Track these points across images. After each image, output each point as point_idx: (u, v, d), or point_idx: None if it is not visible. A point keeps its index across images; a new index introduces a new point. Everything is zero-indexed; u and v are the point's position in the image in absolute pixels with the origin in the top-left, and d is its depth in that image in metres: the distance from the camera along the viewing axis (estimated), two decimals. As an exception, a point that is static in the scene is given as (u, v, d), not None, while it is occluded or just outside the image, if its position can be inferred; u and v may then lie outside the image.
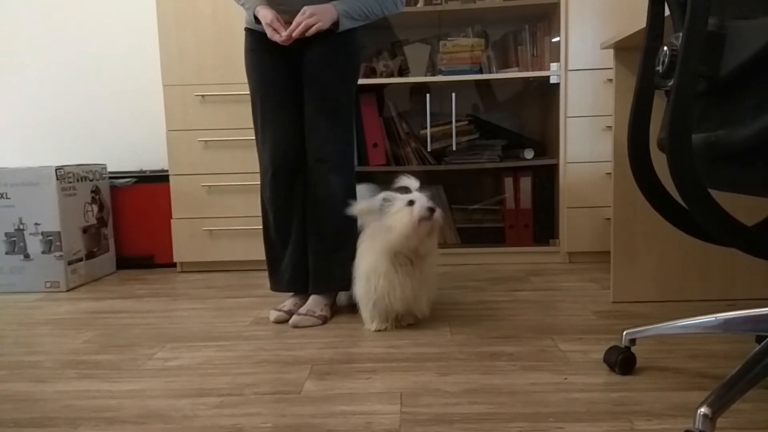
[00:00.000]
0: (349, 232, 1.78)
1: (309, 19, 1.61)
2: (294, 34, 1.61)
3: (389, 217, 1.58)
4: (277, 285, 1.87)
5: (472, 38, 2.49)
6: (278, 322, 1.75)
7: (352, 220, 1.79)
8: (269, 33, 1.66)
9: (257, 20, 1.69)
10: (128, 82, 2.91)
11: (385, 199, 1.61)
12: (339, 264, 1.77)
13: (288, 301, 1.83)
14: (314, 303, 1.77)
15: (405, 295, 1.61)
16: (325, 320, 1.75)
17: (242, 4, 1.74)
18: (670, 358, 1.35)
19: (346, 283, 1.75)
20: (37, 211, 2.30)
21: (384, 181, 2.72)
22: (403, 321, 1.68)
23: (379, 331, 1.64)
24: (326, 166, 1.74)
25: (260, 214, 1.86)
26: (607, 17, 2.36)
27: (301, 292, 1.84)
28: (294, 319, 1.72)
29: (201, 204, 2.52)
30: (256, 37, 1.75)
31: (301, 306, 1.79)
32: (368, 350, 1.49)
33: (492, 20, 2.69)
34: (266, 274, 1.89)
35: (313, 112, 1.74)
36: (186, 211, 2.53)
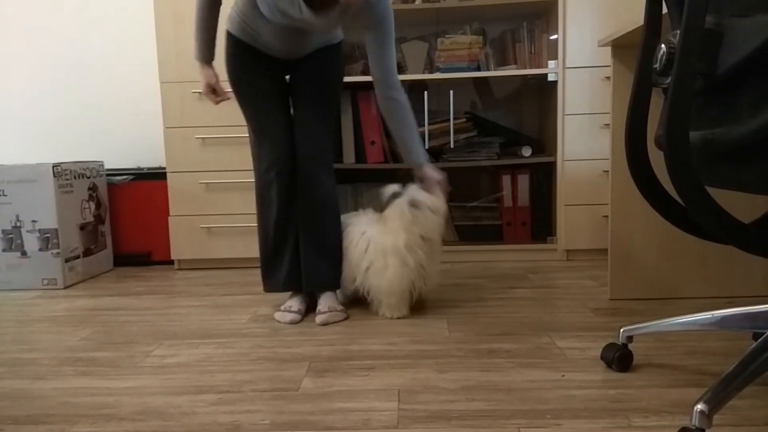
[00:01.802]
0: (339, 231, 1.81)
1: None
2: None
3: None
4: (274, 285, 1.83)
5: (469, 35, 2.49)
6: (294, 323, 1.73)
7: (339, 220, 1.83)
8: (204, 92, 1.77)
9: (202, 62, 1.76)
10: (125, 79, 2.91)
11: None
12: (334, 262, 1.80)
13: (292, 301, 1.81)
14: (331, 299, 1.78)
15: (428, 272, 1.75)
16: (347, 314, 1.78)
17: (196, 40, 1.72)
18: (667, 355, 1.35)
19: (337, 282, 1.81)
20: (34, 209, 2.30)
21: (382, 179, 2.72)
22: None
23: (399, 318, 1.73)
24: (318, 165, 1.75)
25: (255, 212, 1.85)
26: (605, 15, 2.36)
27: (298, 290, 1.83)
28: (323, 317, 1.71)
29: (198, 201, 2.52)
30: (239, 45, 1.74)
31: (305, 304, 1.81)
32: (366, 347, 1.49)
33: (490, 17, 2.69)
34: (263, 271, 1.89)
35: (306, 111, 1.76)
36: (183, 208, 2.52)
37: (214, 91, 1.78)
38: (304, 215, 1.78)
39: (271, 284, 1.85)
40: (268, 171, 1.76)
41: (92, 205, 2.55)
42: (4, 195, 2.30)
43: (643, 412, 1.08)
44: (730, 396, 0.93)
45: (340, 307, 1.76)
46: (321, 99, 1.77)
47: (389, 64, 1.71)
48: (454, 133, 2.50)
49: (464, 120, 2.57)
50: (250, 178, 2.45)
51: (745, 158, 0.87)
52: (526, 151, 2.53)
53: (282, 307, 1.79)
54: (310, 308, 1.83)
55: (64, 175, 2.35)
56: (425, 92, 2.46)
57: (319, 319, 1.71)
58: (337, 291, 1.85)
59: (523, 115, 2.82)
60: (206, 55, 1.74)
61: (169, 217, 2.53)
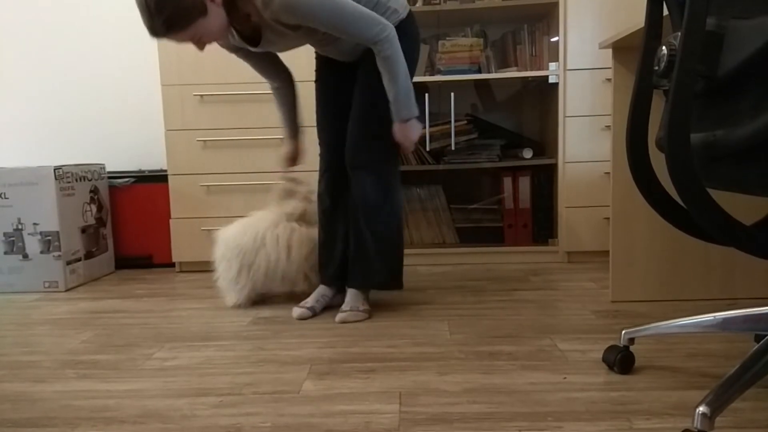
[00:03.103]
0: (379, 232, 1.76)
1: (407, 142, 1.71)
2: None
3: None
4: (324, 280, 1.88)
5: (470, 38, 2.49)
6: (302, 318, 1.76)
7: (383, 221, 1.77)
8: (283, 158, 1.92)
9: (286, 137, 1.92)
10: (127, 81, 2.91)
11: None
12: (371, 261, 1.76)
13: (310, 297, 1.84)
14: (354, 298, 1.78)
15: None
16: (369, 314, 1.77)
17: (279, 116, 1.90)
18: (668, 357, 1.35)
19: (373, 281, 1.79)
20: (35, 211, 2.30)
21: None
22: None
23: None
24: (359, 165, 1.75)
25: None
26: (605, 17, 2.36)
27: (341, 290, 1.86)
28: (342, 315, 1.73)
29: (200, 204, 2.52)
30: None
31: (322, 302, 1.83)
32: (367, 350, 1.49)
33: (491, 20, 2.69)
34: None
35: (353, 113, 1.76)
36: (185, 210, 2.52)
37: (293, 160, 1.92)
38: (350, 214, 1.81)
39: (322, 278, 1.89)
40: (322, 170, 1.86)
41: (94, 207, 2.55)
42: (5, 198, 2.30)
43: (644, 414, 1.07)
44: (733, 398, 0.93)
45: (362, 308, 1.76)
46: (365, 102, 1.75)
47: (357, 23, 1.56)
48: (455, 135, 2.50)
49: (465, 122, 2.57)
50: (251, 180, 2.46)
51: (746, 160, 0.87)
52: (527, 153, 2.53)
53: (301, 303, 1.82)
54: (335, 306, 1.83)
55: (65, 177, 2.35)
56: (426, 94, 2.46)
57: (337, 317, 1.74)
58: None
59: (524, 118, 2.82)
60: (289, 131, 1.91)
61: (171, 220, 2.53)
